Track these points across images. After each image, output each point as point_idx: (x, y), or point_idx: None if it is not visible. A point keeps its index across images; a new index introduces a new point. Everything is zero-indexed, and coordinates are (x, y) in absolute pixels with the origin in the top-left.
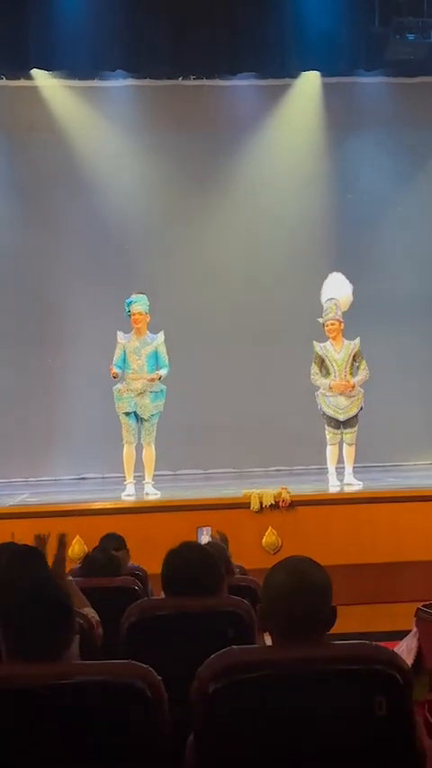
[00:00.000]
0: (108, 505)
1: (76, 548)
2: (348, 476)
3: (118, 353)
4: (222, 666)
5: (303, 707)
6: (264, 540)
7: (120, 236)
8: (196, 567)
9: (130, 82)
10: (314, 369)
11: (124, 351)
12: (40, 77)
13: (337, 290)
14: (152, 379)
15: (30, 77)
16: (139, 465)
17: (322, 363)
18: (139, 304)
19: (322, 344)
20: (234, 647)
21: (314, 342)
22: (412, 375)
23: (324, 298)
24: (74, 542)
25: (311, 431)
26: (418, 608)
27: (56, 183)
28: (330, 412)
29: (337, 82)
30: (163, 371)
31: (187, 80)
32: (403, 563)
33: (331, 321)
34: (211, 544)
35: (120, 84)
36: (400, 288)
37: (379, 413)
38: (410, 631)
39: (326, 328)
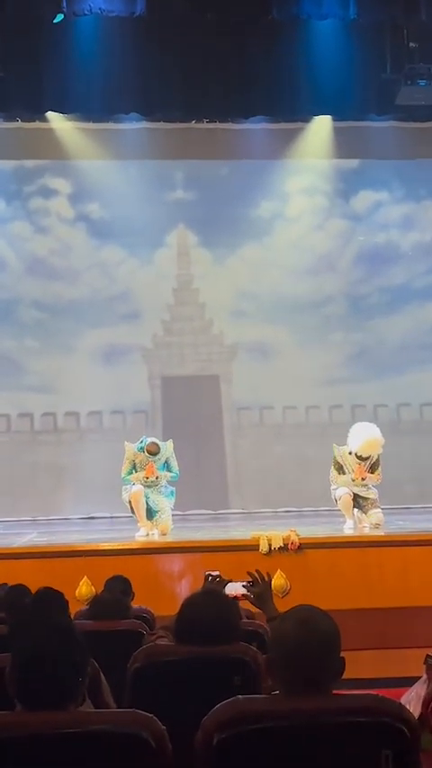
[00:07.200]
0: (116, 546)
1: (84, 589)
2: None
3: (127, 466)
4: (228, 717)
5: (309, 759)
6: (272, 583)
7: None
8: (214, 622)
9: (144, 125)
10: (333, 473)
11: (134, 463)
12: (56, 120)
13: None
14: (157, 477)
15: (45, 120)
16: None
17: (340, 468)
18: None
19: (341, 448)
20: (240, 696)
21: (334, 445)
22: (424, 413)
23: (356, 445)
24: (81, 583)
25: (321, 473)
26: (428, 654)
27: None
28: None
29: (349, 126)
30: (170, 475)
31: (200, 123)
32: (413, 608)
33: (359, 463)
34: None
35: (133, 126)
36: None
37: (389, 455)
38: (421, 678)
39: (355, 460)
